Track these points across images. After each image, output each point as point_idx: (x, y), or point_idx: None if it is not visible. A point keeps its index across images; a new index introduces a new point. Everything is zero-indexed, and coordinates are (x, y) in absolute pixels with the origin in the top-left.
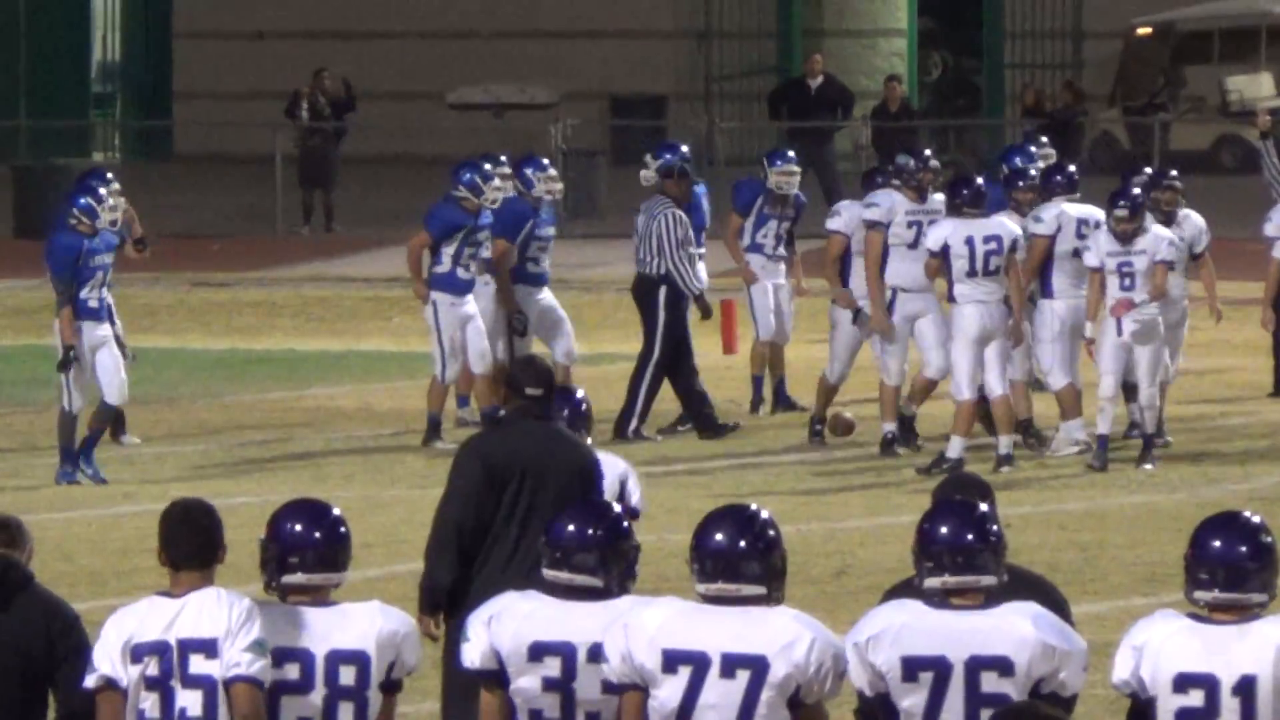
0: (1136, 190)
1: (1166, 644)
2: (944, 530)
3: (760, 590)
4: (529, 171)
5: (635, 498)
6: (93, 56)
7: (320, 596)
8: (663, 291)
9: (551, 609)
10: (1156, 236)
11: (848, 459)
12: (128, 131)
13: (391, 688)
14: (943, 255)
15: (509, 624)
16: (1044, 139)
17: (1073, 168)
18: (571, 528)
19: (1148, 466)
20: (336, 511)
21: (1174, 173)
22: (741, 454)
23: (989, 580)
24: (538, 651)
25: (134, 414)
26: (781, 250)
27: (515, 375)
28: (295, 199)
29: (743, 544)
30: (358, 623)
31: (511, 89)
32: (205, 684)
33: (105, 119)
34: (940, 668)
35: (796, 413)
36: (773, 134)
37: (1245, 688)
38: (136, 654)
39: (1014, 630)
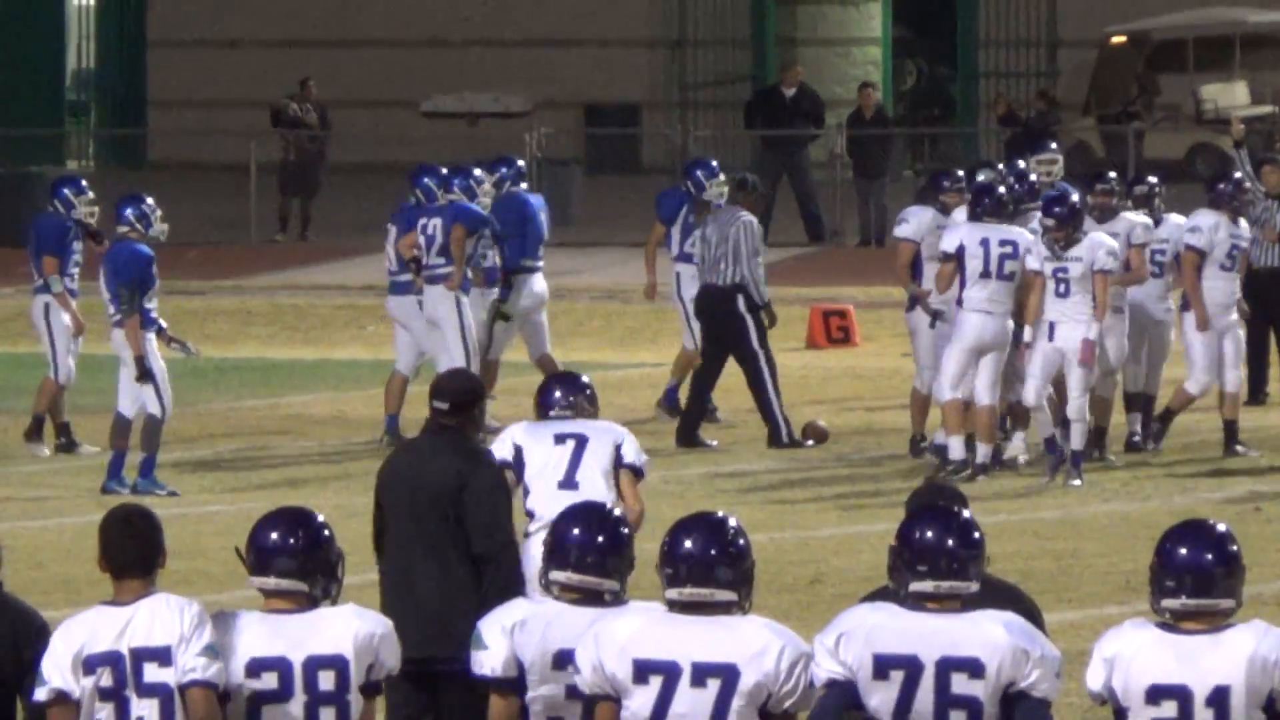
0: (1075, 198)
1: (1138, 656)
2: (930, 536)
3: (732, 596)
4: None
5: (631, 457)
6: (67, 65)
7: (299, 603)
8: (740, 299)
9: (573, 615)
10: (1093, 244)
11: (821, 467)
12: (102, 139)
13: (372, 690)
14: (958, 257)
15: (534, 632)
16: (1054, 145)
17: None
18: (577, 531)
19: (1075, 483)
20: (320, 519)
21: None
22: (715, 462)
23: (972, 587)
24: (562, 660)
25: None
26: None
27: (431, 386)
28: (270, 207)
29: (714, 550)
30: (334, 627)
31: (486, 97)
32: (161, 692)
33: (79, 127)
34: (911, 666)
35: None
36: (747, 143)
37: (1218, 698)
38: (89, 665)
39: (987, 634)
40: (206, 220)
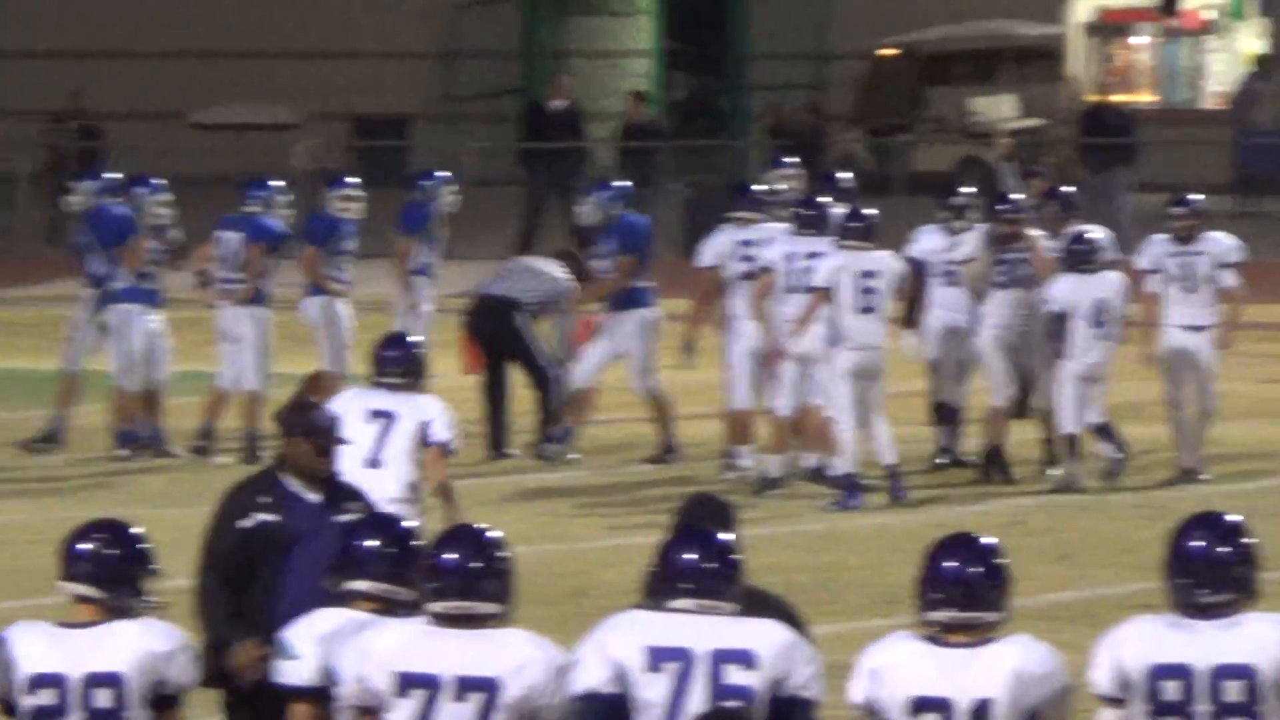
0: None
1: (901, 667)
2: (687, 557)
3: (494, 609)
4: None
5: (438, 435)
6: None
7: (97, 615)
8: (515, 313)
9: (380, 625)
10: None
11: (588, 479)
12: None
13: (166, 703)
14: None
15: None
16: (796, 159)
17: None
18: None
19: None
20: (134, 531)
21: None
22: (478, 474)
23: (728, 607)
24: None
25: None
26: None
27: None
28: (36, 218)
29: (478, 562)
30: (117, 643)
31: (255, 109)
32: None
33: None
34: (684, 659)
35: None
36: (518, 155)
37: (981, 711)
38: None
39: (761, 629)
40: None
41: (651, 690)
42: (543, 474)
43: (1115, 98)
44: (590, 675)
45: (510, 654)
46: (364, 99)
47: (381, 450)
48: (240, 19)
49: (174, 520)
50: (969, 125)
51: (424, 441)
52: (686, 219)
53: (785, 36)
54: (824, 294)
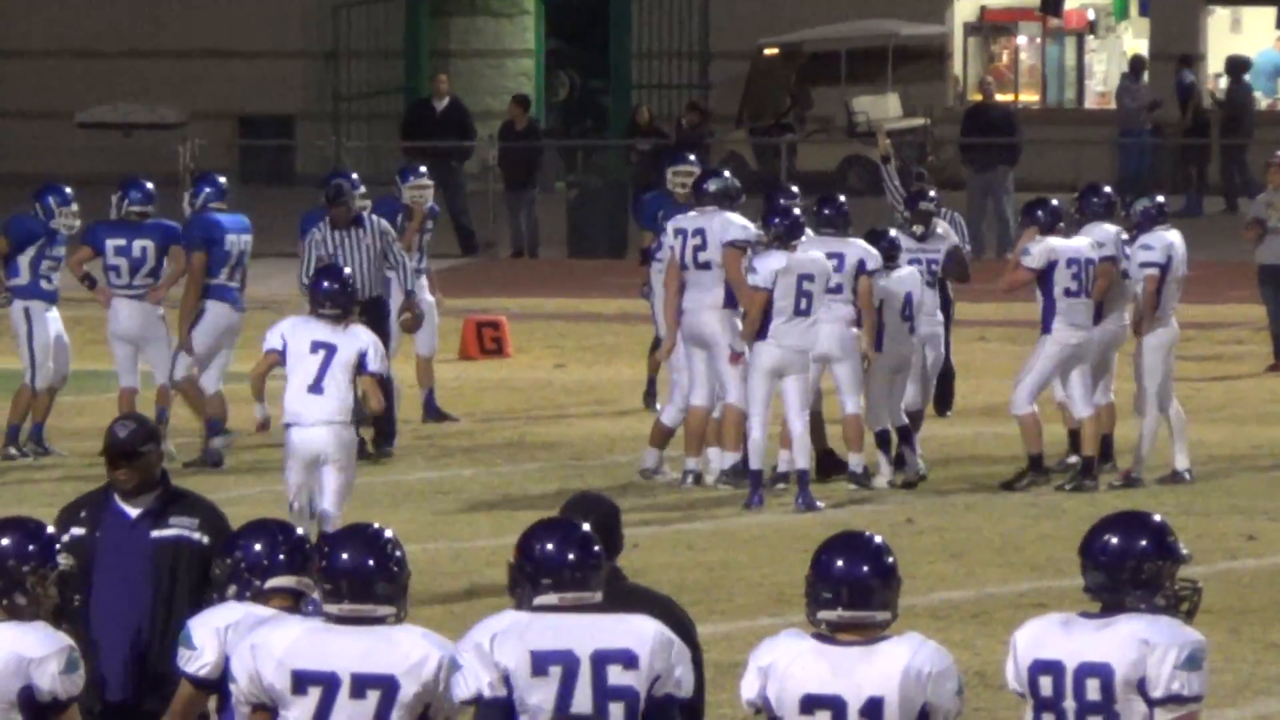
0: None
1: (793, 665)
2: (555, 553)
3: (390, 610)
4: (52, 201)
5: (373, 365)
6: None
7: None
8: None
9: (284, 619)
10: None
11: (474, 479)
12: None
13: (42, 712)
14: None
15: (245, 634)
16: (691, 156)
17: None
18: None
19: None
20: (49, 531)
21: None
22: (368, 473)
23: (595, 597)
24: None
25: None
26: (423, 264)
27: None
28: None
29: (372, 563)
30: None
31: (140, 108)
32: None
33: None
34: (568, 661)
35: (448, 423)
36: (399, 154)
37: (873, 709)
38: None
39: (635, 626)
40: None
41: (537, 695)
42: (429, 473)
43: (998, 97)
44: (476, 680)
45: (407, 651)
46: (249, 98)
47: (323, 379)
48: (125, 18)
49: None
50: (853, 125)
51: (360, 370)
52: (570, 219)
53: (667, 35)
54: (765, 294)
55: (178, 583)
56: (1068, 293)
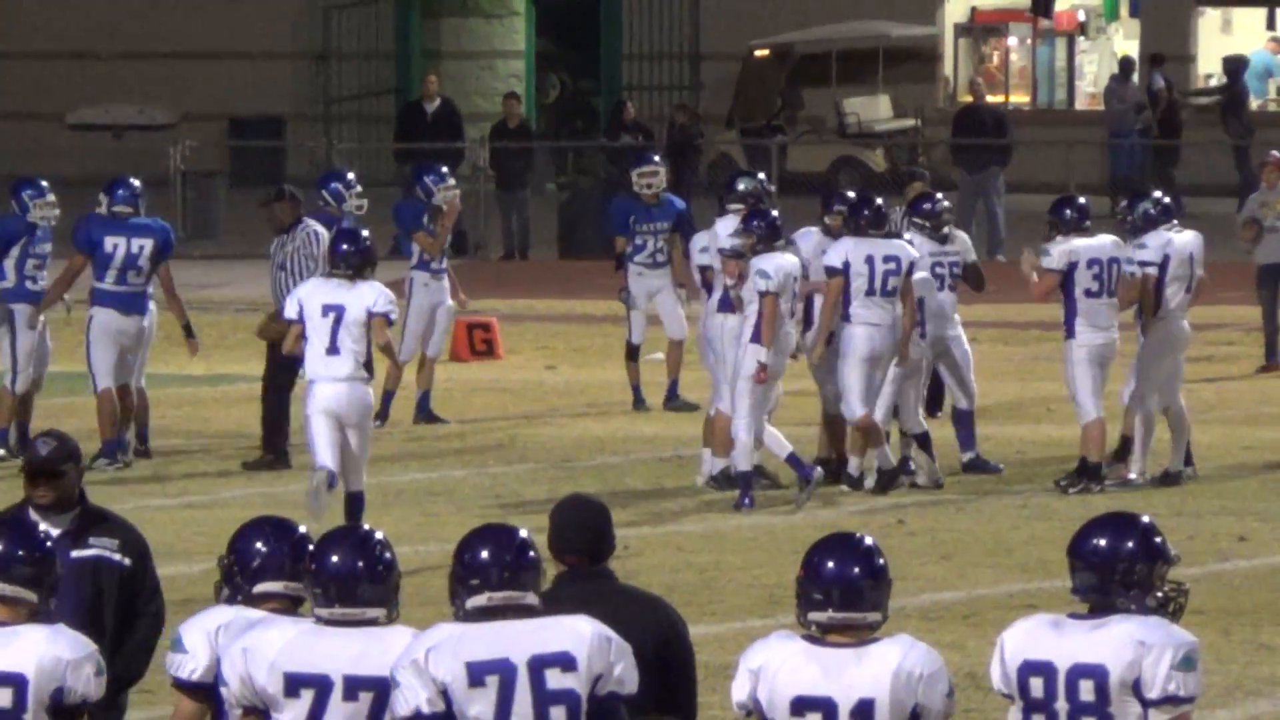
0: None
1: (784, 667)
2: (483, 554)
3: (381, 612)
4: (25, 195)
5: (379, 308)
6: None
7: (18, 615)
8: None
9: (275, 622)
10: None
11: (465, 481)
12: None
13: (66, 714)
14: (843, 273)
15: (235, 637)
16: (655, 157)
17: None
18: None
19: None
20: (42, 529)
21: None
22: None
23: (529, 598)
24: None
25: None
26: (444, 266)
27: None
28: None
29: (361, 566)
30: (23, 644)
31: (131, 110)
32: None
33: None
34: (505, 670)
35: (439, 425)
36: (390, 156)
37: (863, 711)
38: None
39: (571, 628)
40: None
41: (476, 706)
42: (420, 475)
43: (989, 98)
44: (415, 696)
45: (398, 652)
46: (239, 100)
47: (336, 340)
48: (115, 20)
49: None
50: (844, 126)
51: (369, 316)
52: (561, 220)
53: (658, 37)
54: (773, 298)
55: (102, 603)
56: (1088, 293)
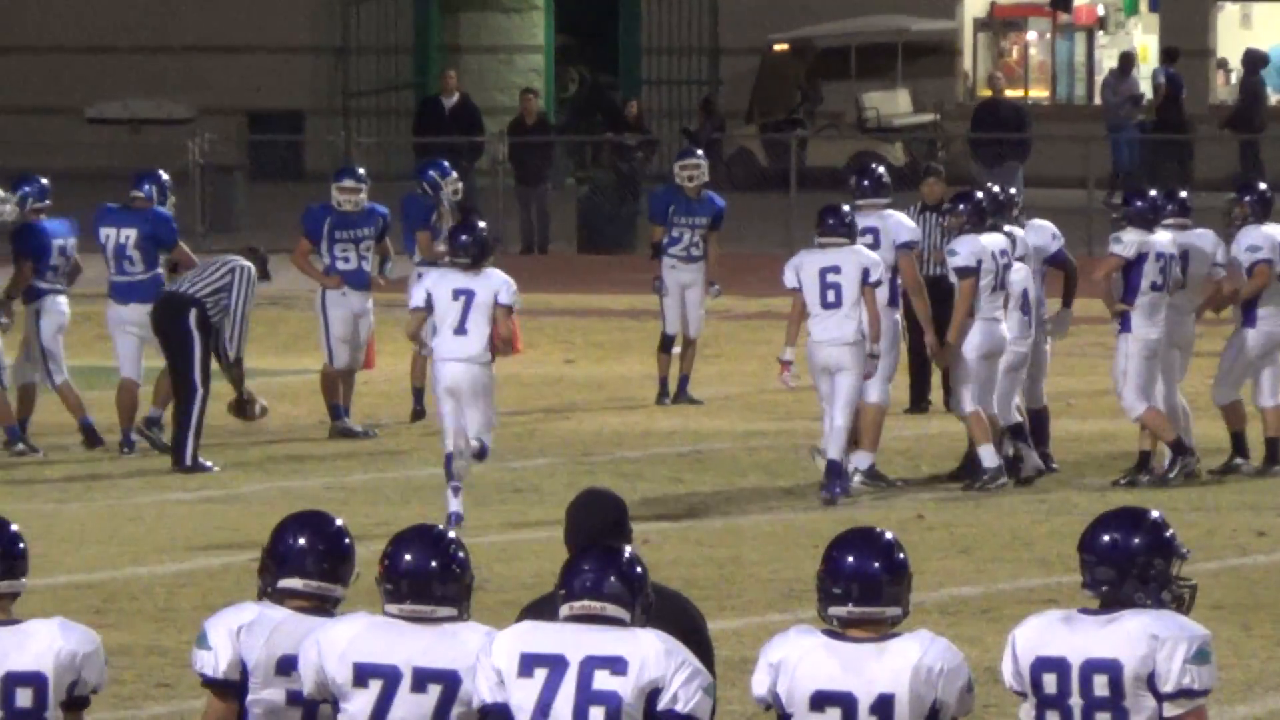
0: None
1: (804, 661)
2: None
3: (452, 611)
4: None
5: (505, 299)
6: None
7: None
8: (193, 313)
9: (301, 622)
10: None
11: (484, 475)
12: None
13: (76, 704)
14: (975, 271)
15: (260, 635)
16: (698, 150)
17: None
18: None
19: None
20: (14, 528)
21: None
22: (379, 469)
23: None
24: (286, 665)
25: None
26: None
27: None
28: None
29: (434, 565)
30: (37, 643)
31: (149, 104)
32: None
33: None
34: (557, 663)
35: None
36: (409, 150)
37: (883, 706)
38: None
39: (637, 636)
40: None
41: (521, 693)
42: (439, 469)
43: (1008, 93)
44: (480, 688)
45: (470, 647)
46: (258, 94)
47: (466, 321)
48: (134, 14)
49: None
50: (863, 120)
51: (495, 304)
52: (580, 214)
53: (677, 31)
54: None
55: None
56: (1154, 286)
